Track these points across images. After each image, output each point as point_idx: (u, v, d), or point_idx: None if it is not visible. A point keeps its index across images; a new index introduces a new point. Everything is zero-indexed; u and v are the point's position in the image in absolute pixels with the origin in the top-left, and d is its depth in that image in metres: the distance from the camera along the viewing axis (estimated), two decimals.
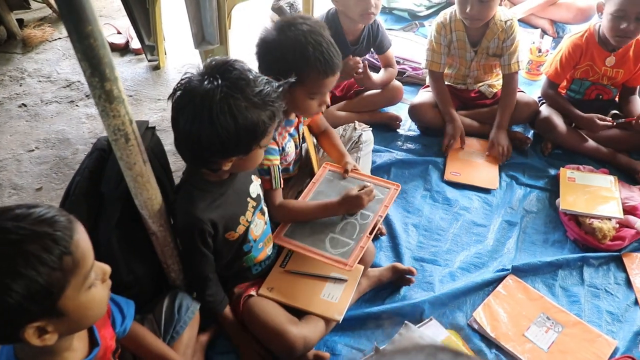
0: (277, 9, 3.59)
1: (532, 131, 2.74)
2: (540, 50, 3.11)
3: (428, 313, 1.89)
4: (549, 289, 2.01)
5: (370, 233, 1.82)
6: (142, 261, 1.64)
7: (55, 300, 0.97)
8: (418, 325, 1.83)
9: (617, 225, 2.17)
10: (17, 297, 0.92)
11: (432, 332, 1.82)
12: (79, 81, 3.05)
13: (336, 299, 1.77)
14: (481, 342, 1.84)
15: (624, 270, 2.08)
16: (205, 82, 1.36)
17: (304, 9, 2.91)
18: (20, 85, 3.04)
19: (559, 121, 2.55)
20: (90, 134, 2.71)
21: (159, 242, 1.57)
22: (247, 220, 1.65)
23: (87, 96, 2.94)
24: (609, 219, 2.17)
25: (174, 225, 1.59)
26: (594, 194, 2.29)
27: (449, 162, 2.55)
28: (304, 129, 2.05)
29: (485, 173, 2.50)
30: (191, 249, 1.57)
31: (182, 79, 1.42)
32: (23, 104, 2.91)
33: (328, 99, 1.83)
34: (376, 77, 2.63)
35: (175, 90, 1.42)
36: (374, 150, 2.42)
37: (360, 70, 2.48)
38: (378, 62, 2.83)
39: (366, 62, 2.54)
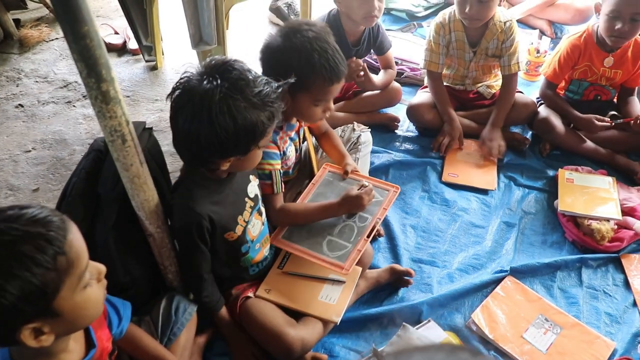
0: (275, 10, 3.59)
1: (531, 132, 2.73)
2: (538, 51, 3.10)
3: (426, 314, 1.89)
4: (547, 291, 2.01)
5: (368, 236, 1.82)
6: (139, 263, 1.63)
7: (50, 300, 0.97)
8: (416, 326, 1.82)
9: (616, 227, 2.17)
10: (12, 298, 0.91)
11: (431, 333, 1.81)
12: (76, 82, 3.04)
13: (334, 301, 1.77)
14: (479, 344, 1.83)
15: (623, 271, 2.08)
16: (205, 82, 1.36)
17: (302, 9, 2.90)
18: (17, 86, 3.03)
19: (557, 122, 2.55)
20: (87, 134, 2.70)
21: (156, 243, 1.56)
22: (244, 220, 1.65)
23: (84, 97, 2.93)
24: (608, 220, 2.17)
25: (171, 223, 1.58)
26: (593, 195, 2.28)
27: (447, 163, 2.55)
28: (304, 130, 2.05)
29: (484, 174, 2.50)
30: (188, 246, 1.56)
31: (181, 78, 1.41)
32: (20, 104, 2.90)
33: (332, 105, 1.83)
34: (376, 79, 2.63)
35: (174, 89, 1.42)
36: (372, 151, 2.41)
37: (362, 73, 2.47)
38: (377, 63, 2.83)
39: (365, 64, 2.53)
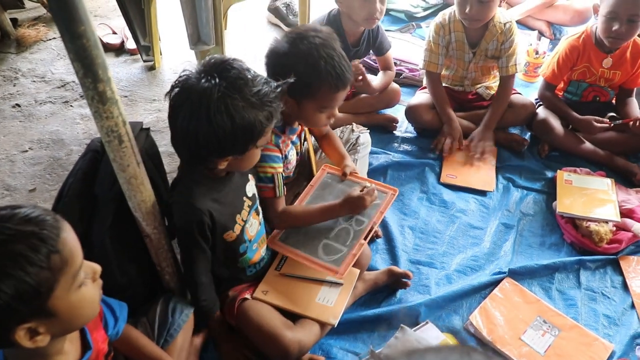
0: (273, 10, 3.58)
1: (529, 133, 2.73)
2: (537, 52, 3.10)
3: (424, 316, 1.88)
4: (545, 292, 2.01)
5: (365, 239, 1.82)
6: (136, 264, 1.63)
7: (44, 299, 0.96)
8: (414, 328, 1.82)
9: (614, 228, 2.17)
10: (6, 298, 0.91)
11: (428, 335, 1.80)
12: (73, 81, 3.02)
13: (331, 303, 1.76)
14: (477, 346, 1.82)
15: (621, 273, 2.08)
16: (203, 80, 1.35)
17: (300, 9, 2.89)
18: (14, 86, 3.02)
19: (556, 123, 2.55)
20: (84, 134, 2.69)
21: (153, 244, 1.55)
22: (242, 220, 1.64)
23: (81, 96, 2.91)
24: (606, 222, 2.17)
25: (171, 222, 1.56)
26: (591, 197, 2.28)
27: (445, 164, 2.54)
28: (305, 132, 2.04)
29: (482, 175, 2.49)
30: (189, 245, 1.55)
31: (180, 76, 1.41)
32: (17, 104, 2.89)
33: (337, 112, 1.82)
34: (375, 82, 2.62)
35: (172, 88, 1.41)
36: (371, 152, 2.41)
37: (360, 77, 2.46)
38: (376, 63, 2.82)
39: (364, 68, 2.52)
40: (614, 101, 2.67)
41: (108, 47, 3.30)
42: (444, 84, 2.70)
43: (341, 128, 2.33)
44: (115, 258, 1.55)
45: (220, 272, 1.72)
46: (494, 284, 2.00)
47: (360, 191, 1.81)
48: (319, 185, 1.96)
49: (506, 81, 2.59)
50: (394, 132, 2.75)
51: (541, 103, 2.68)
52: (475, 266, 2.10)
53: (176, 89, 1.40)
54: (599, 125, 2.46)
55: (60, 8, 1.02)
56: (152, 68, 3.17)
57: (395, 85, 2.75)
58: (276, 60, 1.72)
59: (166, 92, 1.42)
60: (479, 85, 2.75)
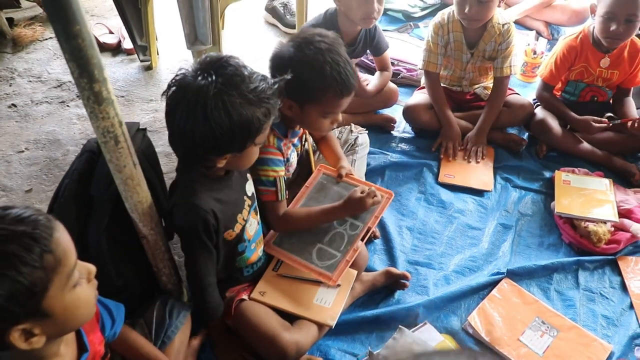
0: (270, 9, 3.57)
1: (527, 133, 2.72)
2: (535, 52, 3.10)
3: (422, 317, 1.88)
4: (544, 293, 2.00)
5: (363, 239, 1.81)
6: (133, 265, 1.62)
7: (39, 300, 0.96)
8: (412, 329, 1.81)
9: (612, 229, 2.16)
10: None
11: (427, 336, 1.80)
12: (69, 81, 3.01)
13: (329, 304, 1.76)
14: (476, 347, 1.82)
15: (619, 273, 2.08)
16: (199, 78, 1.34)
17: (298, 9, 2.89)
18: (10, 85, 3.01)
19: (554, 123, 2.55)
20: (81, 134, 2.68)
21: (149, 245, 1.55)
22: (243, 219, 1.63)
23: (78, 97, 2.90)
24: (604, 222, 2.16)
25: (174, 225, 1.54)
26: (589, 197, 2.28)
27: (443, 164, 2.54)
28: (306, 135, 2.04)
29: (480, 175, 2.49)
30: (195, 247, 1.52)
31: (176, 75, 1.39)
32: (13, 104, 2.88)
33: (340, 117, 1.81)
34: (370, 84, 2.61)
35: (169, 86, 1.40)
36: (368, 152, 2.40)
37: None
38: (373, 63, 2.81)
39: (360, 75, 2.50)
40: (611, 101, 2.67)
41: (105, 47, 3.29)
42: (442, 84, 2.69)
43: (340, 128, 2.32)
44: (112, 259, 1.55)
45: (218, 273, 1.70)
46: (492, 284, 2.00)
47: (361, 193, 1.80)
48: (314, 186, 1.95)
49: (500, 82, 2.59)
50: (392, 132, 2.74)
51: (539, 103, 2.67)
52: (474, 267, 2.09)
53: (172, 88, 1.39)
54: (597, 125, 2.46)
55: (56, 8, 1.01)
56: (149, 68, 3.16)
57: (393, 85, 2.74)
58: (280, 64, 1.70)
59: (163, 92, 1.41)
60: (476, 86, 2.75)
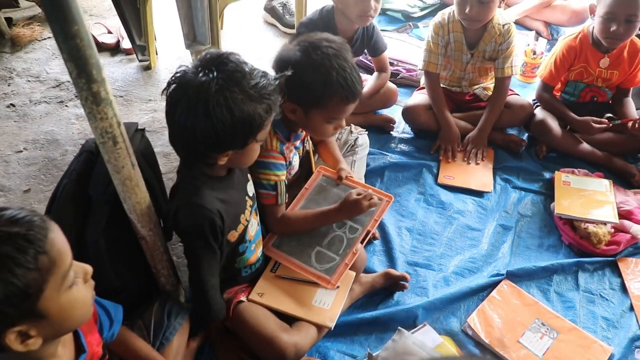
0: (269, 9, 3.57)
1: (527, 134, 2.72)
2: (534, 53, 3.09)
3: (422, 319, 1.87)
4: (543, 295, 2.00)
5: (362, 241, 1.81)
6: (131, 265, 1.62)
7: (34, 301, 0.95)
8: (412, 331, 1.80)
9: (612, 230, 2.16)
10: None
11: (426, 338, 1.79)
12: (68, 81, 3.01)
13: (328, 305, 1.75)
14: (475, 349, 1.82)
15: (619, 275, 2.07)
16: (200, 75, 1.33)
17: (297, 9, 2.89)
18: (9, 85, 3.00)
19: (554, 124, 2.54)
20: (79, 134, 2.68)
21: (148, 246, 1.54)
22: (246, 220, 1.63)
23: (76, 96, 2.89)
24: (604, 223, 2.16)
25: (178, 227, 1.52)
26: (589, 198, 2.27)
27: (443, 165, 2.53)
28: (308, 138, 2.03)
29: (480, 176, 2.48)
30: (200, 248, 1.50)
31: (176, 72, 1.38)
32: (11, 104, 2.87)
33: (344, 123, 1.81)
34: (365, 87, 2.60)
35: (169, 84, 1.39)
36: (368, 153, 2.39)
37: None
38: (371, 63, 2.81)
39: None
40: (611, 102, 2.66)
41: (103, 47, 3.29)
42: (441, 85, 2.69)
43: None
44: (110, 260, 1.54)
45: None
46: (492, 286, 1.99)
47: (357, 195, 1.79)
48: (313, 188, 1.95)
49: (501, 83, 2.58)
50: (391, 132, 2.73)
51: (539, 104, 2.67)
52: (473, 268, 2.08)
53: (173, 85, 1.38)
54: (597, 126, 2.45)
55: (54, 8, 1.00)
56: (147, 68, 3.15)
57: (392, 86, 2.73)
58: (285, 67, 1.67)
59: (163, 89, 1.40)
60: (476, 86, 2.74)
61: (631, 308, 1.96)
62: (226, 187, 1.55)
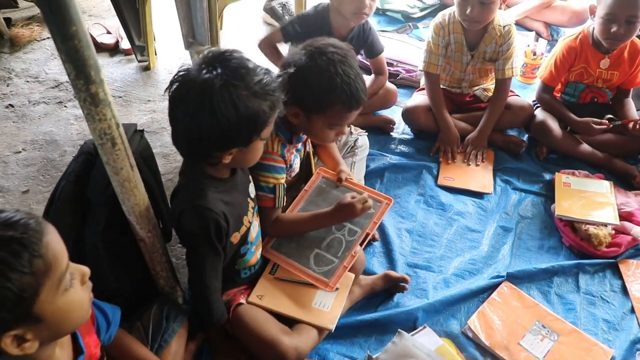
0: (269, 10, 3.56)
1: (527, 135, 2.71)
2: (535, 53, 3.09)
3: (422, 321, 1.86)
4: (544, 296, 1.99)
5: (361, 243, 1.80)
6: (130, 267, 1.61)
7: (29, 305, 0.94)
8: (411, 333, 1.80)
9: (613, 232, 2.15)
10: None
11: (426, 340, 1.78)
12: (67, 82, 3.00)
13: (328, 308, 1.74)
14: (476, 351, 1.81)
15: (620, 277, 2.06)
16: (204, 72, 1.32)
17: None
18: (8, 86, 2.99)
19: (554, 125, 2.53)
20: (78, 135, 2.67)
21: (147, 248, 1.53)
22: (249, 221, 1.62)
23: (75, 97, 2.88)
24: (605, 225, 2.15)
25: (181, 230, 1.51)
26: (590, 200, 2.26)
27: (443, 166, 2.53)
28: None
29: (480, 177, 2.48)
30: (204, 251, 1.49)
31: (179, 71, 1.37)
32: (10, 104, 2.87)
33: (346, 130, 1.80)
34: None
35: (172, 82, 1.37)
36: (368, 154, 2.39)
37: None
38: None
39: None
40: (611, 102, 2.66)
41: (102, 47, 3.29)
42: (441, 86, 2.68)
43: None
44: (108, 262, 1.54)
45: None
46: (492, 288, 1.98)
47: (352, 198, 1.77)
48: (313, 190, 1.94)
49: (502, 84, 2.57)
50: (391, 133, 2.73)
51: (539, 105, 2.66)
52: (473, 270, 2.08)
53: (176, 84, 1.36)
54: (597, 127, 2.44)
55: (52, 8, 0.99)
56: (146, 68, 3.14)
57: (391, 86, 2.73)
58: (291, 72, 1.67)
59: (161, 92, 1.40)
60: (476, 87, 2.74)
61: (632, 310, 1.95)
62: (229, 188, 1.54)
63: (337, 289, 1.76)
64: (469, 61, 2.57)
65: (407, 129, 2.75)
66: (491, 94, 2.68)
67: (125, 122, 1.30)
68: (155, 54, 3.18)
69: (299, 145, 1.91)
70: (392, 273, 1.96)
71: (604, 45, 2.42)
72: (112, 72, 3.12)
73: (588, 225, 2.14)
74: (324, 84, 1.62)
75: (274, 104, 1.40)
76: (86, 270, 1.08)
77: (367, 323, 1.85)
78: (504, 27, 2.46)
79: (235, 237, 1.58)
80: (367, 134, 2.36)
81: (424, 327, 1.83)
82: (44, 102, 2.89)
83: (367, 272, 1.99)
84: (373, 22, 3.53)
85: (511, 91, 2.67)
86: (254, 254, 1.74)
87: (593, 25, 2.44)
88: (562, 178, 2.38)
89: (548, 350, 1.79)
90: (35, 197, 2.32)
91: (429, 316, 1.89)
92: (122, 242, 1.54)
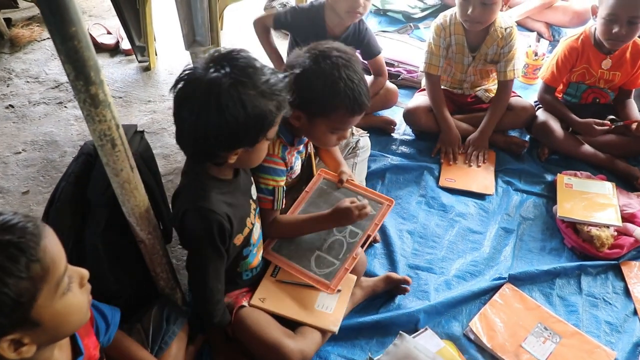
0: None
1: (529, 136, 2.70)
2: (536, 54, 3.08)
3: (423, 322, 1.86)
4: (546, 298, 1.98)
5: (363, 245, 1.80)
6: (130, 269, 1.61)
7: (27, 310, 0.93)
8: (413, 335, 1.79)
9: (615, 233, 2.14)
10: None
11: (428, 342, 1.78)
12: (67, 82, 2.99)
13: (331, 310, 1.73)
14: (477, 353, 1.80)
15: (623, 279, 2.05)
16: (211, 70, 1.31)
17: None
18: (8, 86, 2.99)
19: (556, 126, 2.52)
20: (78, 136, 2.66)
21: (147, 249, 1.53)
22: (251, 223, 1.61)
23: (75, 98, 2.88)
24: (607, 226, 2.14)
25: (184, 231, 1.49)
26: (592, 201, 2.25)
27: (444, 168, 2.52)
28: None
29: (481, 179, 2.47)
30: (207, 253, 1.48)
31: (184, 70, 1.36)
32: (10, 105, 2.86)
33: (348, 134, 1.79)
34: None
35: (177, 82, 1.35)
36: (369, 155, 2.38)
37: None
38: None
39: None
40: (613, 103, 2.65)
41: (102, 48, 3.28)
42: (443, 87, 2.67)
43: None
44: (108, 263, 1.53)
45: None
46: (494, 289, 1.98)
47: (351, 203, 1.75)
48: (314, 191, 1.93)
49: (504, 86, 2.56)
50: (392, 134, 2.72)
51: (540, 105, 2.65)
52: (475, 271, 2.07)
53: (181, 83, 1.35)
54: (599, 127, 2.43)
55: (51, 9, 0.98)
56: (147, 69, 3.13)
57: (392, 86, 2.72)
58: (294, 75, 1.66)
59: (162, 93, 1.40)
60: (478, 88, 2.73)
61: (635, 312, 1.95)
62: (232, 190, 1.53)
63: (339, 290, 1.76)
64: (470, 62, 2.57)
65: (408, 130, 2.74)
66: (493, 94, 2.68)
67: (125, 122, 1.30)
68: (156, 55, 3.17)
69: (301, 147, 1.90)
70: (394, 275, 1.96)
71: (605, 46, 2.41)
72: (113, 73, 3.11)
73: (590, 227, 2.13)
74: (327, 88, 1.61)
75: (281, 104, 1.40)
76: (85, 272, 1.07)
77: (368, 325, 1.84)
78: (505, 29, 2.45)
79: (239, 239, 1.57)
80: (368, 135, 2.35)
81: (426, 329, 1.83)
82: (44, 102, 2.88)
83: (368, 274, 1.98)
84: (374, 22, 3.55)
85: (513, 92, 2.66)
86: (256, 256, 1.74)
87: (595, 25, 2.43)
88: (564, 179, 2.37)
89: (550, 352, 1.79)
90: (35, 198, 2.31)
91: (430, 318, 1.88)
92: (122, 244, 1.54)
